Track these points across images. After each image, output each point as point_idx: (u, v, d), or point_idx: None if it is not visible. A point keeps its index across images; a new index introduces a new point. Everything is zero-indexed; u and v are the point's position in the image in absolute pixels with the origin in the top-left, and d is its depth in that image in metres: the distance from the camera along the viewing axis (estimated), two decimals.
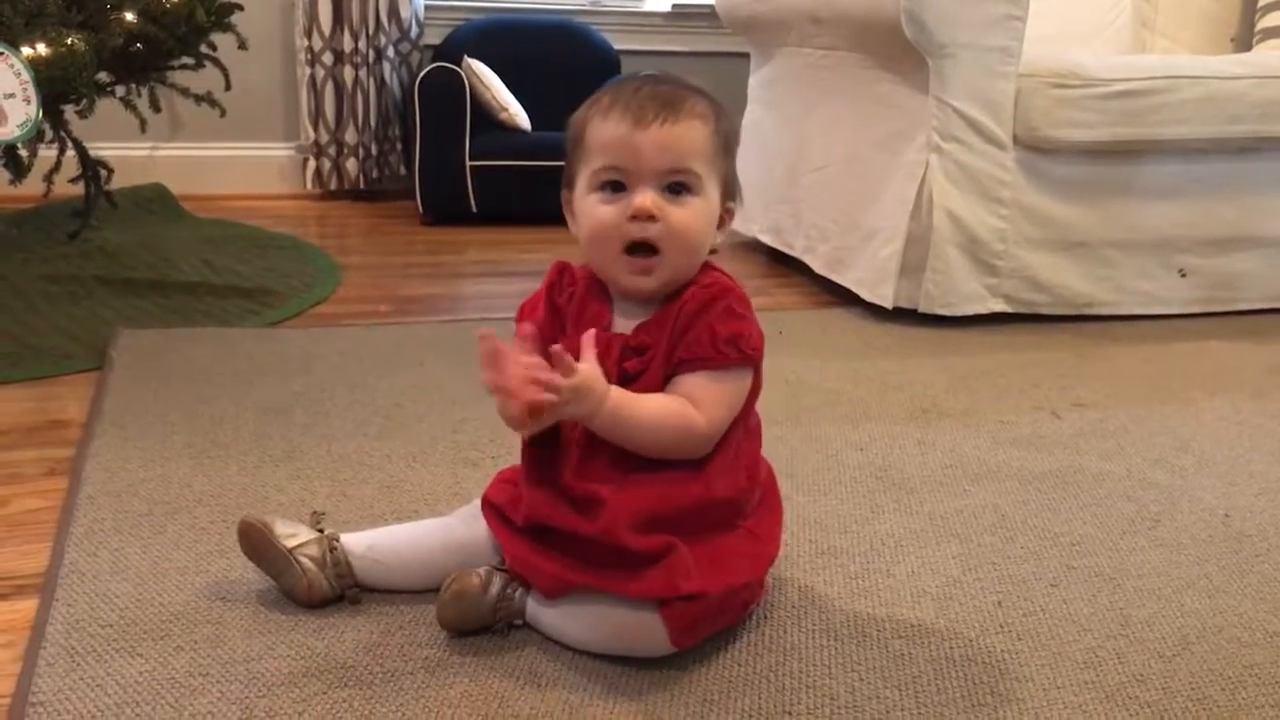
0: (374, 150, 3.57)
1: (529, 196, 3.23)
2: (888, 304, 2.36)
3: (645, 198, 1.05)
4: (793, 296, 2.64)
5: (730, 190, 1.13)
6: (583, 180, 1.10)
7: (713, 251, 1.13)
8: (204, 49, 2.65)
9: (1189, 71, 2.36)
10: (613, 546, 1.05)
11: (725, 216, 1.13)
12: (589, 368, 1.02)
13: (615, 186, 1.07)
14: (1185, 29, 3.16)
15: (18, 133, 2.07)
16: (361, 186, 3.58)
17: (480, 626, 1.11)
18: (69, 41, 2.17)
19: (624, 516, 1.05)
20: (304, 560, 1.13)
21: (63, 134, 2.51)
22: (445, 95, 3.25)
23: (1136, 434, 1.77)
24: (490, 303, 2.53)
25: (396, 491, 1.45)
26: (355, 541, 1.17)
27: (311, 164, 3.55)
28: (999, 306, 2.37)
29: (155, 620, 1.12)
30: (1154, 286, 2.47)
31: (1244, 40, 3.07)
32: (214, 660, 1.06)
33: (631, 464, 1.08)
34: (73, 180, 2.68)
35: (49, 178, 2.56)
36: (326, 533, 1.17)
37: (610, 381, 1.05)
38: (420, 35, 3.62)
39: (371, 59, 3.49)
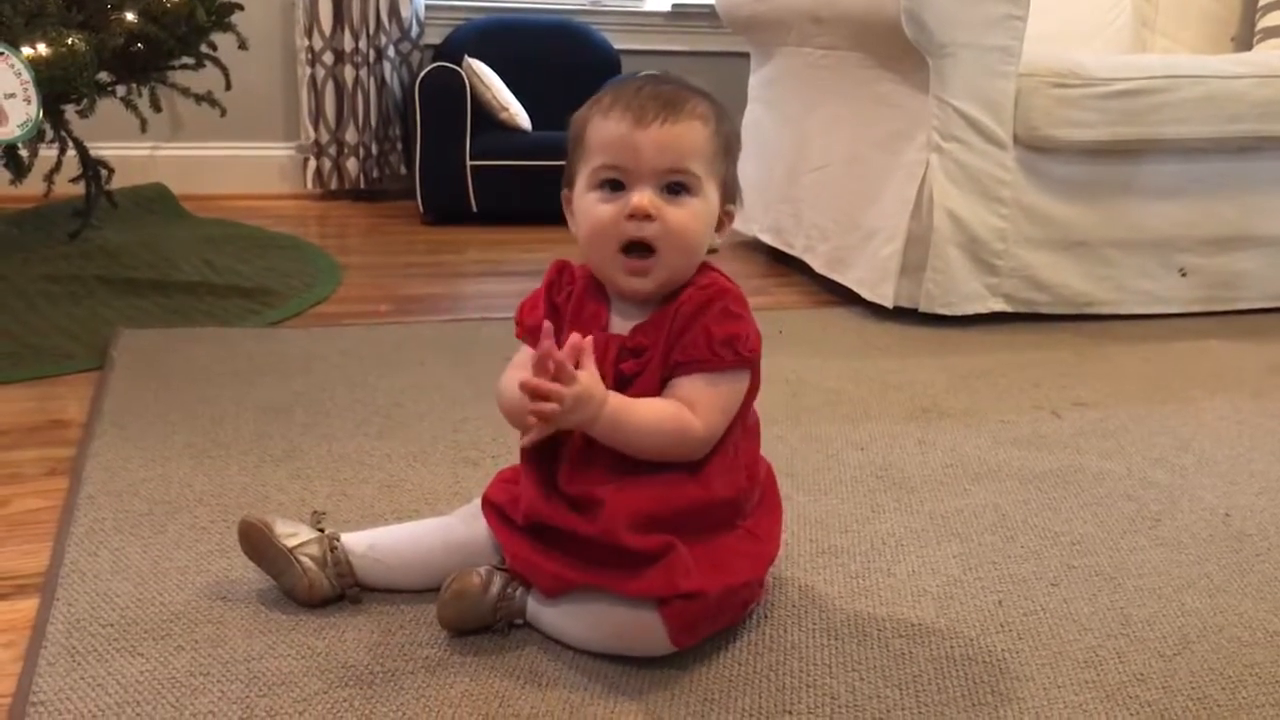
0: (374, 150, 3.58)
1: (529, 196, 3.23)
2: (888, 303, 2.36)
3: (643, 197, 1.05)
4: (793, 296, 2.64)
5: (730, 193, 1.13)
6: (582, 179, 1.10)
7: (712, 251, 1.12)
8: (204, 49, 2.65)
9: (1189, 71, 2.36)
10: (612, 546, 1.06)
11: (724, 219, 1.13)
12: (588, 375, 1.02)
13: (614, 185, 1.07)
14: (1185, 28, 3.16)
15: (18, 132, 2.07)
16: (362, 186, 3.58)
17: (481, 626, 1.11)
18: (69, 41, 2.17)
19: (623, 516, 1.05)
20: (304, 560, 1.13)
21: (63, 134, 2.51)
22: (446, 95, 3.25)
23: (1137, 433, 1.77)
24: (491, 302, 2.53)
25: (397, 491, 1.45)
26: (356, 541, 1.17)
27: (312, 164, 3.55)
28: (999, 306, 2.37)
29: (156, 620, 1.12)
30: (1154, 286, 2.47)
31: (1244, 40, 3.07)
32: (215, 660, 1.06)
33: (630, 465, 1.08)
34: (73, 180, 2.69)
35: (49, 177, 2.56)
36: (327, 532, 1.17)
37: (607, 383, 1.05)
38: (421, 35, 3.62)
39: (372, 58, 3.49)
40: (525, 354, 1.15)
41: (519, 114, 3.35)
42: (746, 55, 3.14)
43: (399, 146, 3.62)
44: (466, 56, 3.33)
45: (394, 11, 3.50)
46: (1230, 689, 1.09)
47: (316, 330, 2.18)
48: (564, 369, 1.00)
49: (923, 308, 2.33)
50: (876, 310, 2.40)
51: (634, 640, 1.07)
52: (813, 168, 2.67)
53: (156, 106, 2.67)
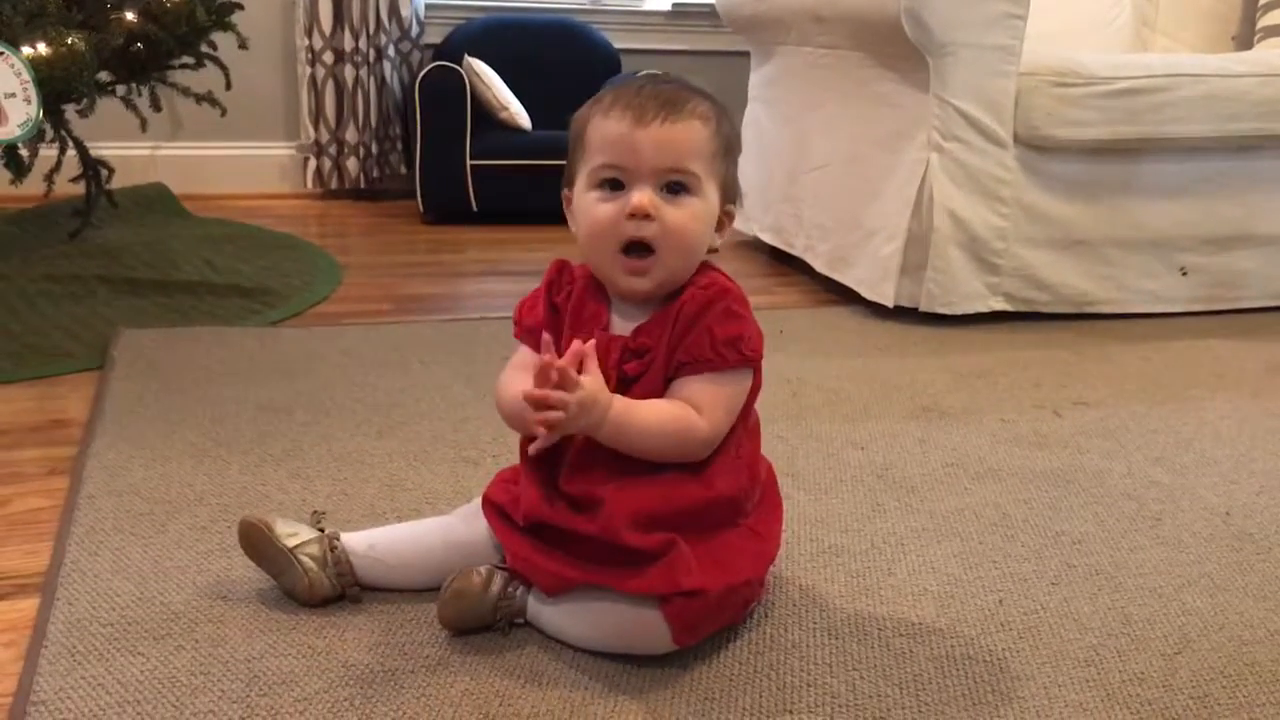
0: (374, 149, 3.58)
1: (529, 195, 3.23)
2: (889, 303, 2.36)
3: (643, 196, 1.05)
4: (794, 295, 2.64)
5: (730, 193, 1.13)
6: (582, 178, 1.10)
7: (713, 251, 1.12)
8: (204, 48, 2.65)
9: (1190, 70, 2.36)
10: (613, 545, 1.06)
11: (724, 219, 1.13)
12: (593, 380, 1.02)
13: (614, 185, 1.07)
14: (1186, 27, 3.16)
15: (18, 132, 2.07)
16: (362, 186, 3.58)
17: (481, 625, 1.11)
18: (69, 41, 2.17)
19: (624, 515, 1.05)
20: (305, 559, 1.13)
21: (63, 133, 2.51)
22: (446, 94, 3.25)
23: (1137, 432, 1.77)
24: (491, 302, 2.54)
25: (397, 490, 1.45)
26: (356, 540, 1.17)
27: (312, 163, 3.55)
28: (1000, 305, 2.37)
29: (156, 619, 1.12)
30: (1155, 285, 2.47)
31: (1245, 38, 3.07)
32: (215, 659, 1.06)
33: (632, 464, 1.08)
34: (74, 180, 2.69)
35: (50, 177, 2.56)
36: (327, 532, 1.17)
37: (610, 384, 1.05)
38: (421, 34, 3.62)
39: (372, 58, 3.49)
40: (523, 354, 1.15)
41: (519, 113, 3.35)
42: (747, 54, 3.14)
43: (399, 146, 3.62)
44: (467, 56, 3.33)
45: (394, 11, 3.50)
46: (1231, 688, 1.09)
47: (317, 330, 2.18)
48: (568, 375, 0.99)
49: (923, 307, 2.33)
50: (877, 309, 2.40)
51: (635, 639, 1.07)
52: (813, 167, 2.67)
53: (156, 106, 2.67)
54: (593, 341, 1.05)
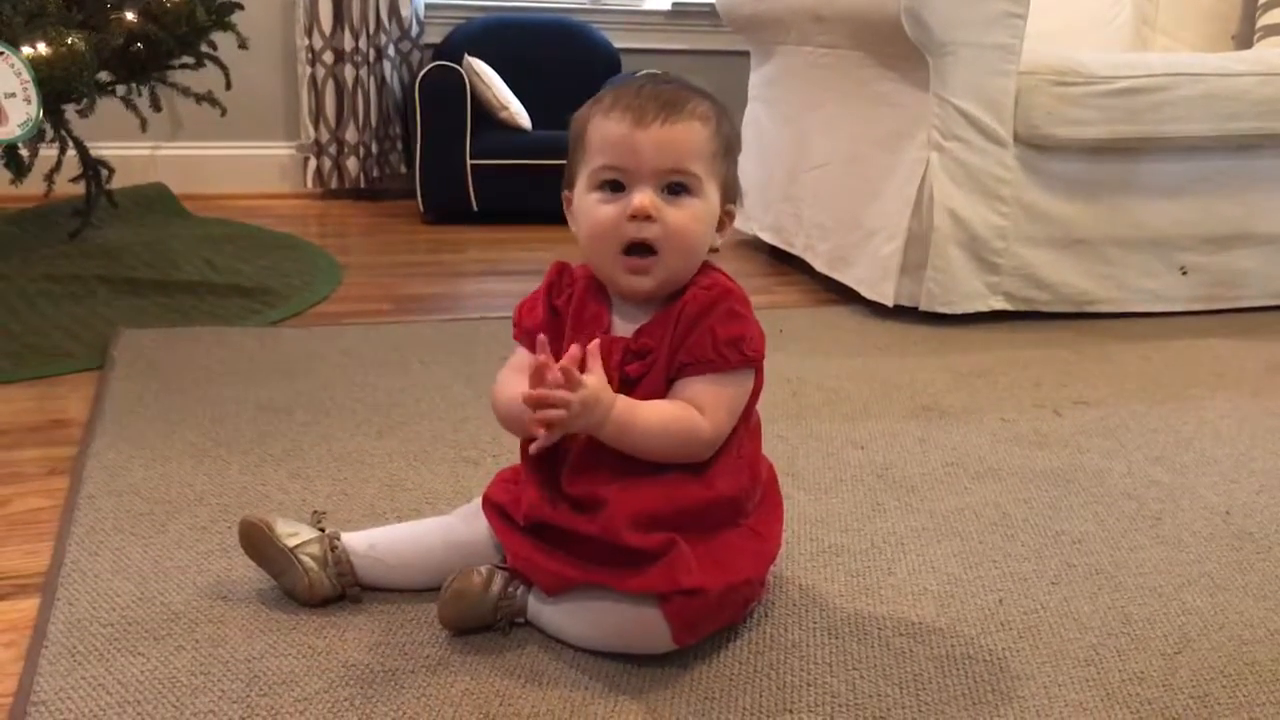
0: (374, 149, 3.58)
1: (530, 195, 3.23)
2: (889, 302, 2.36)
3: (644, 197, 1.05)
4: (794, 294, 2.65)
5: (731, 193, 1.13)
6: (583, 179, 1.10)
7: (714, 250, 1.12)
8: (204, 48, 2.65)
9: (1190, 69, 2.36)
10: (613, 545, 1.06)
11: (725, 219, 1.13)
12: (596, 380, 1.02)
13: (614, 186, 1.07)
14: (1186, 26, 3.16)
15: (18, 132, 2.07)
16: (362, 185, 3.58)
17: (481, 625, 1.11)
18: (69, 41, 2.17)
19: (625, 515, 1.05)
20: (305, 559, 1.13)
21: (63, 133, 2.51)
22: (446, 94, 3.25)
23: (1137, 431, 1.77)
24: (491, 302, 2.54)
25: (397, 490, 1.45)
26: (356, 540, 1.17)
27: (312, 163, 3.55)
28: (1000, 304, 2.37)
29: (156, 619, 1.12)
30: (1155, 284, 2.47)
31: (1245, 38, 3.07)
32: (215, 659, 1.06)
33: (633, 465, 1.08)
34: (74, 180, 2.69)
35: (50, 177, 2.56)
36: (327, 531, 1.17)
37: (612, 385, 1.05)
38: (421, 34, 3.62)
39: (372, 58, 3.49)
40: (521, 356, 1.15)
41: (519, 113, 3.35)
42: (747, 54, 3.14)
43: (399, 146, 3.62)
44: (466, 55, 3.33)
45: (394, 10, 3.50)
46: (1231, 687, 1.09)
47: (317, 330, 2.18)
48: (570, 374, 0.99)
49: (923, 306, 2.33)
50: (877, 309, 2.40)
51: (635, 638, 1.07)
52: (813, 166, 2.67)
53: (156, 106, 2.67)
54: (597, 341, 1.05)
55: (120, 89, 2.62)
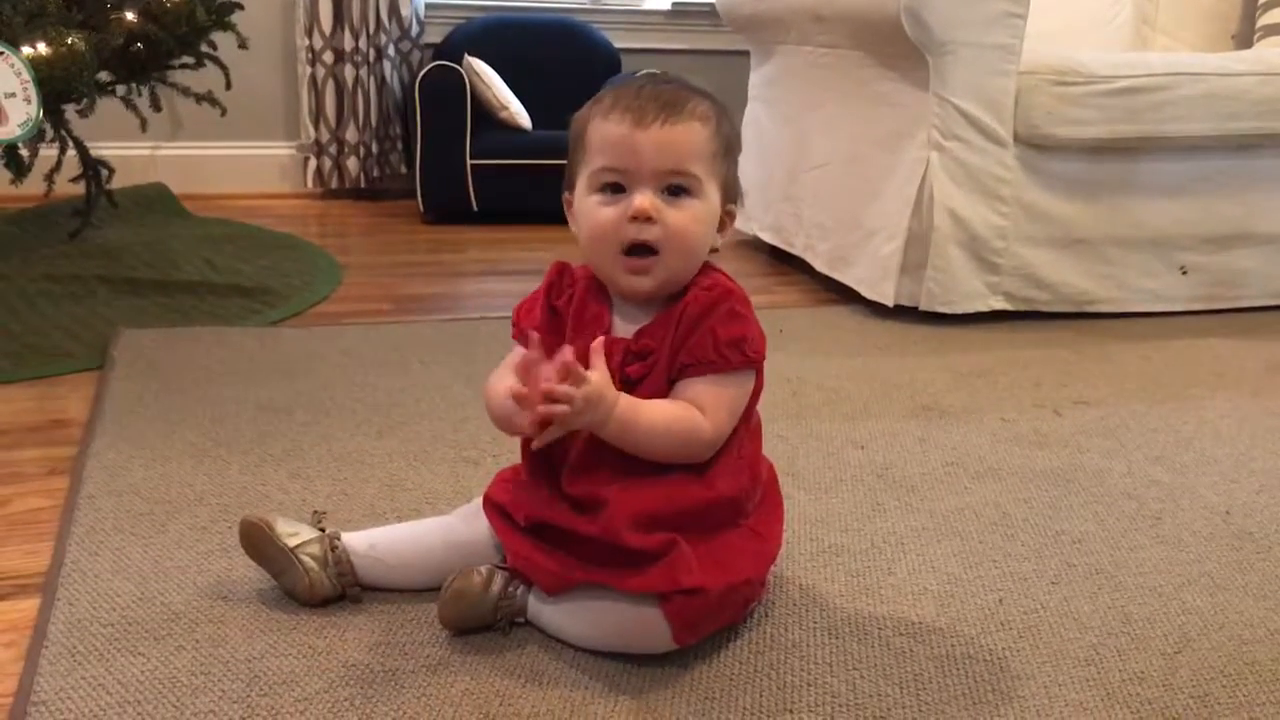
0: (375, 149, 3.58)
1: (530, 195, 3.23)
2: (889, 302, 2.36)
3: (644, 199, 1.05)
4: (794, 294, 2.65)
5: (731, 193, 1.13)
6: (583, 181, 1.10)
7: (714, 250, 1.12)
8: (204, 48, 2.65)
9: (1190, 69, 2.36)
10: (614, 545, 1.06)
11: (726, 219, 1.13)
12: (599, 376, 1.02)
13: (615, 188, 1.07)
14: (1186, 26, 3.16)
15: (18, 132, 2.07)
16: (362, 185, 3.58)
17: (481, 625, 1.11)
18: (69, 41, 2.17)
19: (625, 516, 1.05)
20: (305, 559, 1.13)
21: (63, 133, 2.51)
22: (446, 94, 3.25)
23: (1137, 431, 1.77)
24: (491, 301, 2.54)
25: (398, 490, 1.45)
26: (357, 540, 1.17)
27: (312, 163, 3.55)
28: (1000, 304, 2.37)
29: (157, 619, 1.12)
30: (1155, 284, 2.47)
31: (1245, 37, 3.07)
32: (215, 659, 1.06)
33: (633, 466, 1.08)
34: (74, 180, 2.69)
35: (50, 177, 2.56)
36: (328, 531, 1.17)
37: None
38: (421, 34, 3.62)
39: (372, 58, 3.49)
40: (516, 355, 1.15)
41: (519, 113, 3.35)
42: (747, 54, 3.14)
43: (399, 145, 3.62)
44: (466, 55, 3.33)
45: (394, 10, 3.50)
46: (1231, 687, 1.09)
47: (317, 330, 2.18)
48: (575, 370, 0.99)
49: (923, 306, 2.33)
50: (877, 309, 2.40)
51: (636, 637, 1.07)
52: (813, 166, 2.67)
53: (156, 106, 2.67)
54: (601, 339, 1.05)
55: (120, 89, 2.62)
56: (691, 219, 1.07)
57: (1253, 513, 1.49)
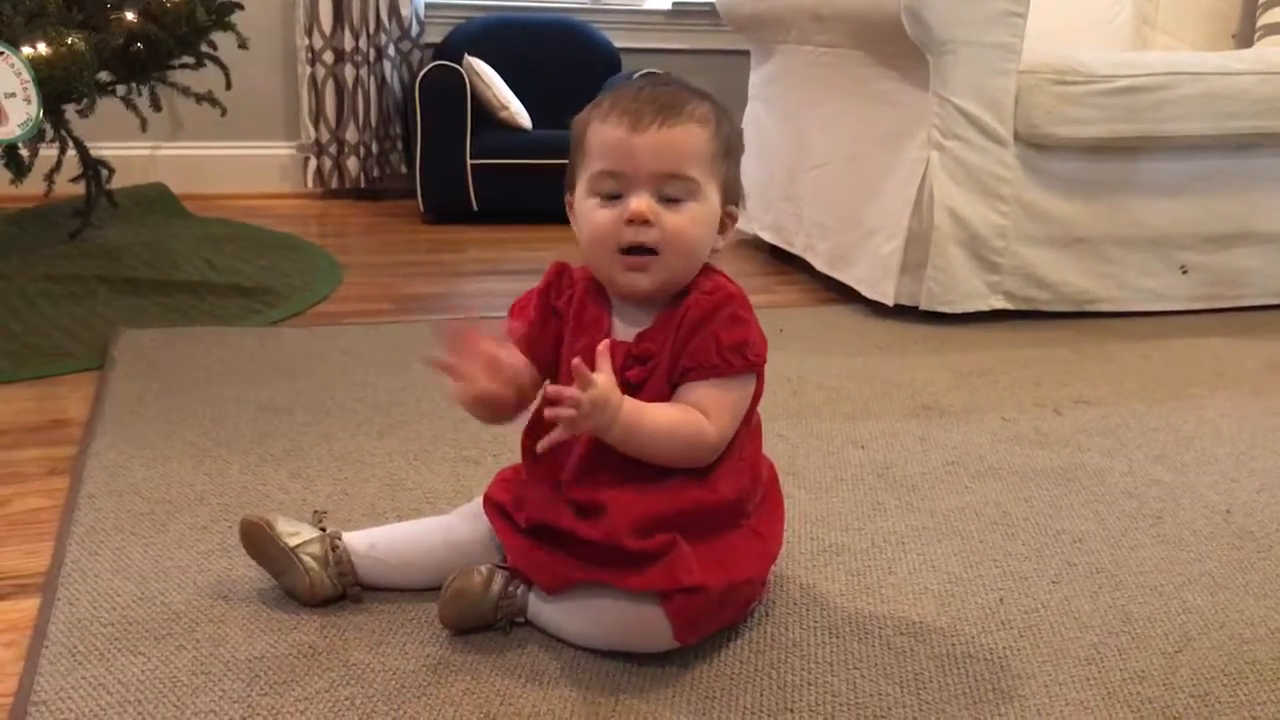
0: (375, 149, 3.58)
1: (530, 195, 3.23)
2: (889, 301, 2.36)
3: (641, 202, 1.05)
4: (794, 294, 2.65)
5: (732, 194, 1.12)
6: (582, 184, 1.10)
7: (714, 251, 1.12)
8: (204, 48, 2.65)
9: (1190, 68, 2.36)
10: (614, 548, 1.05)
11: (727, 220, 1.13)
12: (605, 379, 1.02)
13: (613, 191, 1.07)
14: (1186, 25, 3.16)
15: (18, 132, 2.07)
16: (362, 185, 3.58)
17: (482, 624, 1.11)
18: (69, 41, 2.17)
19: (626, 522, 1.05)
20: (306, 559, 1.13)
21: (63, 133, 2.51)
22: (446, 94, 3.25)
23: (1138, 430, 1.77)
24: (491, 301, 2.53)
25: (398, 490, 1.45)
26: (357, 540, 1.17)
27: (312, 163, 3.55)
28: (1000, 303, 2.37)
29: (157, 619, 1.12)
30: (1155, 283, 2.47)
31: (1245, 36, 3.07)
32: (216, 659, 1.06)
33: (635, 469, 1.08)
34: (74, 180, 2.69)
35: (50, 177, 2.56)
36: (328, 531, 1.17)
37: None
38: (421, 34, 3.62)
39: (372, 57, 3.49)
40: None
41: (519, 113, 3.35)
42: (747, 53, 3.14)
43: (399, 145, 3.62)
44: (467, 55, 3.33)
45: (394, 10, 3.50)
46: (1231, 686, 1.09)
47: (317, 329, 2.18)
48: (582, 373, 0.99)
49: (923, 305, 2.33)
50: (877, 308, 2.40)
51: (637, 636, 1.07)
52: (813, 166, 2.67)
53: (156, 106, 2.67)
54: (607, 342, 1.05)
55: (120, 89, 2.62)
56: (690, 221, 1.07)
57: (1253, 512, 1.49)
